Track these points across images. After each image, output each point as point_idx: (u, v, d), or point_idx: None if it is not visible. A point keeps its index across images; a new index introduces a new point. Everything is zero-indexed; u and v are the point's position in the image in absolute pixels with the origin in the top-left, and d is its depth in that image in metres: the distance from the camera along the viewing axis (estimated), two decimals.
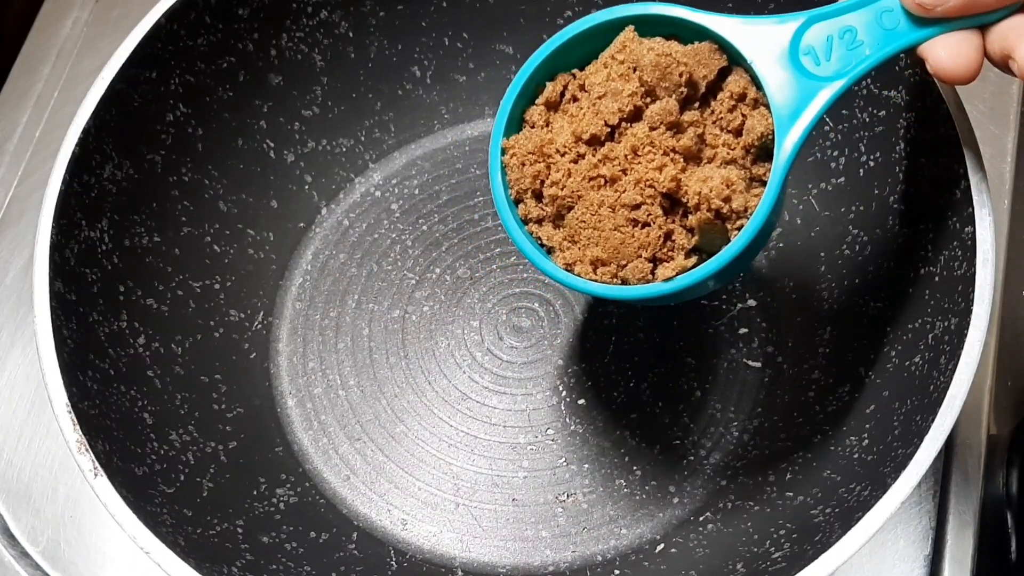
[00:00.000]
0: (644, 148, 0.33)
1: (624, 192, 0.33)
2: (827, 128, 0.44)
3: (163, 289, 0.44)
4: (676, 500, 0.43)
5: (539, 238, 0.35)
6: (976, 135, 0.36)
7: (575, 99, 0.35)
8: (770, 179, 0.32)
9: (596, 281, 0.34)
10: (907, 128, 0.40)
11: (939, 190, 0.37)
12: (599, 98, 0.34)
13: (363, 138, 0.51)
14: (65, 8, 0.58)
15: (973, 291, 0.34)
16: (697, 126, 0.33)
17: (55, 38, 0.57)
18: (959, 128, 0.36)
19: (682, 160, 0.33)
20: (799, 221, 0.47)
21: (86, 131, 0.40)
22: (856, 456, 0.38)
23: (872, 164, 0.42)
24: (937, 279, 0.37)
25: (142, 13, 0.42)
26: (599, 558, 0.43)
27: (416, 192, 0.51)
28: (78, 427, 0.35)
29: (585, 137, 0.34)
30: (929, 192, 0.38)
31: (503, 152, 0.35)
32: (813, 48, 0.32)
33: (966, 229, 0.35)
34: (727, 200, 0.32)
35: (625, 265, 0.34)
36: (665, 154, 0.33)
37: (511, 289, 0.48)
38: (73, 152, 0.39)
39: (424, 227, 0.50)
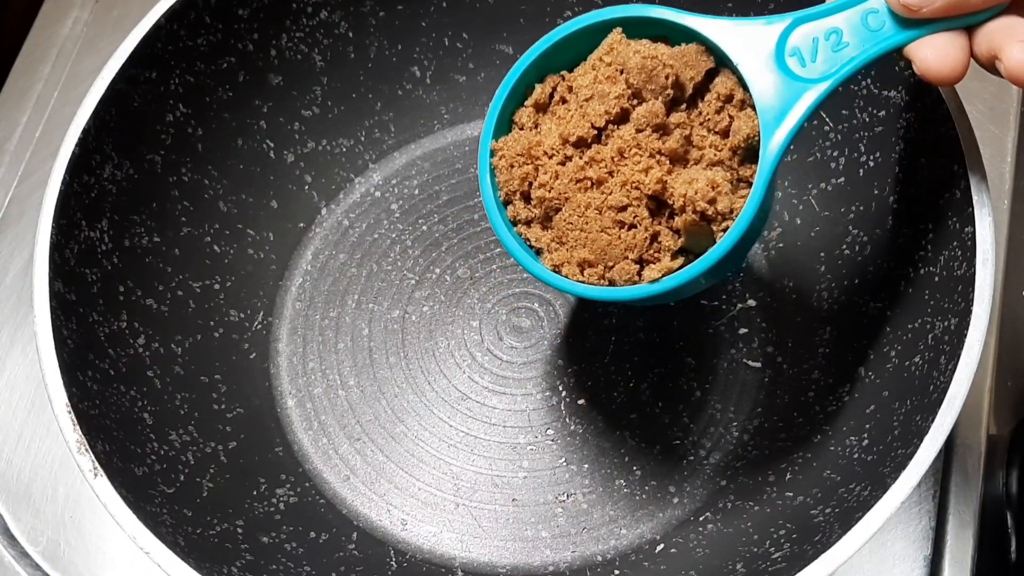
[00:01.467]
0: (630, 150, 0.33)
1: (611, 194, 0.33)
2: (827, 128, 0.44)
3: (163, 289, 0.44)
4: (676, 500, 0.43)
5: (528, 239, 0.35)
6: (976, 135, 0.36)
7: (564, 101, 0.35)
8: (755, 181, 0.32)
9: (583, 282, 0.34)
10: (907, 128, 0.40)
11: (939, 190, 0.37)
12: (586, 100, 0.34)
13: (363, 138, 0.51)
14: (65, 8, 0.58)
15: (973, 291, 0.34)
16: (684, 127, 0.33)
17: (55, 38, 0.57)
18: (959, 128, 0.36)
19: (668, 162, 0.33)
20: (799, 221, 0.47)
21: (86, 131, 0.40)
22: (856, 456, 0.38)
23: (872, 164, 0.42)
24: (937, 279, 0.37)
25: (142, 13, 0.42)
26: (599, 558, 0.43)
27: (416, 192, 0.51)
28: (78, 427, 0.35)
29: (572, 139, 0.34)
30: (929, 192, 0.38)
31: (492, 154, 0.35)
32: (799, 50, 0.32)
33: (966, 229, 0.35)
34: (712, 202, 0.32)
35: (612, 266, 0.34)
36: (651, 156, 0.33)
37: (511, 289, 0.48)
38: (73, 152, 0.39)
39: (424, 227, 0.50)
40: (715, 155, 0.33)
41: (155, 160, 0.43)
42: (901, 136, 0.40)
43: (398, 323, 0.48)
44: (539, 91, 0.35)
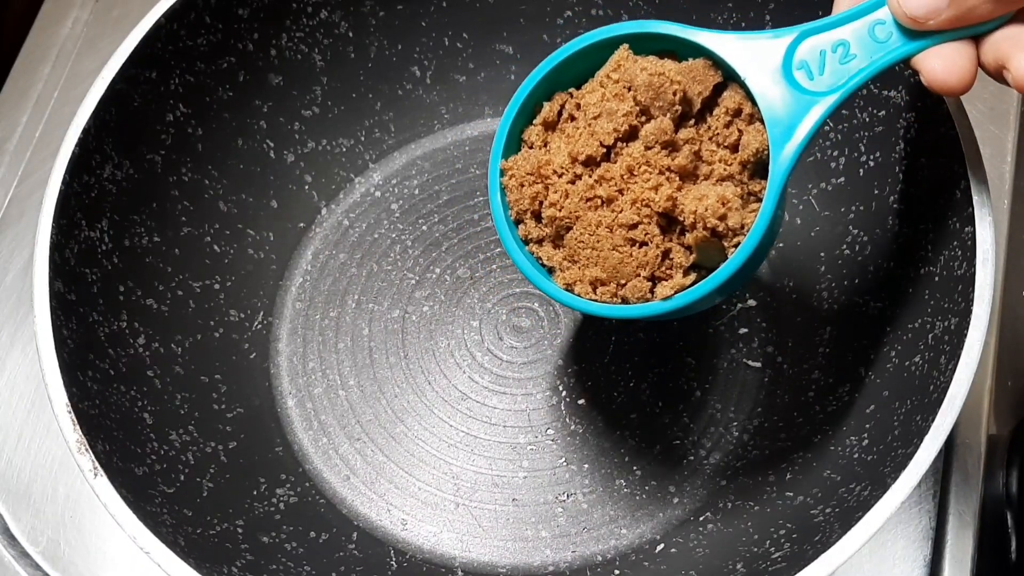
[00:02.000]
0: (640, 168, 0.33)
1: (621, 212, 0.33)
2: (827, 128, 0.44)
3: (163, 289, 0.44)
4: (676, 500, 0.43)
5: (540, 258, 0.35)
6: (976, 135, 0.36)
7: (572, 119, 0.35)
8: (765, 196, 0.32)
9: (596, 300, 0.34)
10: (907, 128, 0.40)
11: (939, 190, 0.37)
12: (595, 118, 0.34)
13: (363, 138, 0.51)
14: (65, 8, 0.58)
15: (973, 291, 0.34)
16: (693, 143, 0.33)
17: (55, 38, 0.57)
18: (959, 128, 0.36)
19: (677, 179, 0.33)
20: (799, 221, 0.47)
21: (86, 131, 0.40)
22: (856, 456, 0.38)
23: (872, 164, 0.42)
24: (937, 279, 0.37)
25: (142, 13, 0.42)
26: (599, 558, 0.43)
27: (416, 192, 0.51)
28: (78, 427, 0.35)
29: (581, 158, 0.34)
30: (929, 192, 0.38)
31: (502, 174, 0.35)
32: (806, 63, 0.32)
33: (966, 229, 0.35)
34: (723, 218, 0.32)
35: (624, 284, 0.34)
36: (660, 173, 0.33)
37: (511, 289, 0.48)
38: (73, 152, 0.39)
39: (424, 227, 0.50)
40: (725, 170, 0.33)
41: (155, 160, 0.43)
42: (901, 136, 0.40)
43: (398, 323, 0.48)
44: (547, 109, 0.35)
